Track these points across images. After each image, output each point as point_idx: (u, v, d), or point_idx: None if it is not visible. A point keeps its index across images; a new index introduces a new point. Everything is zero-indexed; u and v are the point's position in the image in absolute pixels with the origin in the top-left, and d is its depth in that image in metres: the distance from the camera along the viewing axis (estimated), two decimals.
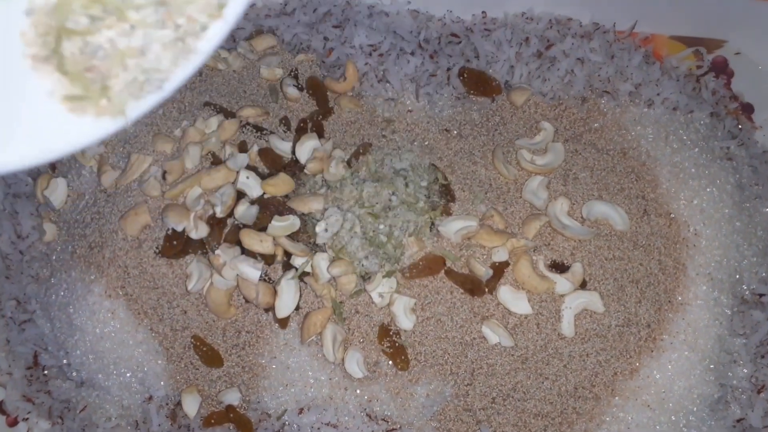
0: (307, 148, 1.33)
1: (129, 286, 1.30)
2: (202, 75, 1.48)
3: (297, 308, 1.26)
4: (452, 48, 1.53)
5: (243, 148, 1.33)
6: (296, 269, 1.24)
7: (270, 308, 1.26)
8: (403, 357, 1.26)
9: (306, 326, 1.24)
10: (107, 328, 1.30)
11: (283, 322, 1.27)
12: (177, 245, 1.26)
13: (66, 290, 1.34)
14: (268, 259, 1.26)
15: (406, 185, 1.29)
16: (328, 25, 1.51)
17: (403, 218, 1.25)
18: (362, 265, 1.23)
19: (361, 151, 1.35)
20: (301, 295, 1.25)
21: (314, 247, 1.25)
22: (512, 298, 1.26)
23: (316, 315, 1.24)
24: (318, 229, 1.22)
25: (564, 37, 1.53)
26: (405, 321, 1.24)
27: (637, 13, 1.56)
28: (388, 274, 1.24)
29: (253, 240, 1.23)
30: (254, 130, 1.37)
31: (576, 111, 1.46)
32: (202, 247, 1.28)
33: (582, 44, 1.53)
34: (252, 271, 1.22)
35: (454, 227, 1.27)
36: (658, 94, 1.50)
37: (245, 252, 1.24)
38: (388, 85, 1.47)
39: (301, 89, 1.45)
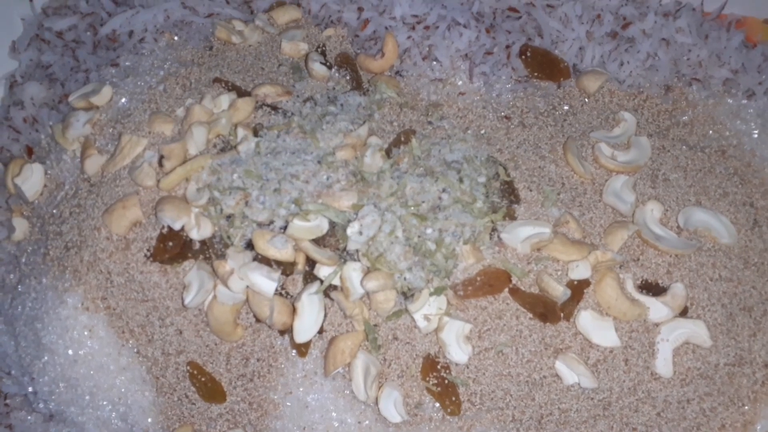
0: None
1: (112, 297, 1.23)
2: (213, 49, 1.43)
3: (320, 331, 1.19)
4: (511, 23, 1.45)
5: (258, 132, 1.26)
6: (321, 282, 1.17)
7: (287, 330, 1.19)
8: (453, 398, 1.18)
9: (331, 355, 1.16)
10: (83, 350, 1.24)
11: (303, 349, 1.20)
12: (173, 248, 1.20)
13: (35, 300, 1.26)
14: (287, 268, 1.18)
15: (460, 180, 1.21)
16: None
17: (456, 221, 1.16)
18: (404, 278, 1.15)
19: (402, 139, 1.27)
20: (326, 315, 1.18)
21: (344, 255, 1.17)
22: (595, 327, 1.17)
23: (344, 341, 1.17)
24: (350, 231, 1.14)
25: (644, 16, 1.45)
26: (457, 352, 1.16)
27: None
28: (437, 292, 1.16)
29: (268, 243, 1.14)
30: (272, 112, 1.29)
31: (659, 101, 1.42)
32: (204, 250, 1.20)
33: (667, 23, 1.45)
34: (266, 282, 1.14)
35: (520, 235, 1.18)
36: (760, 83, 1.43)
37: (258, 258, 1.17)
38: (435, 63, 1.39)
39: (329, 67, 1.38)
